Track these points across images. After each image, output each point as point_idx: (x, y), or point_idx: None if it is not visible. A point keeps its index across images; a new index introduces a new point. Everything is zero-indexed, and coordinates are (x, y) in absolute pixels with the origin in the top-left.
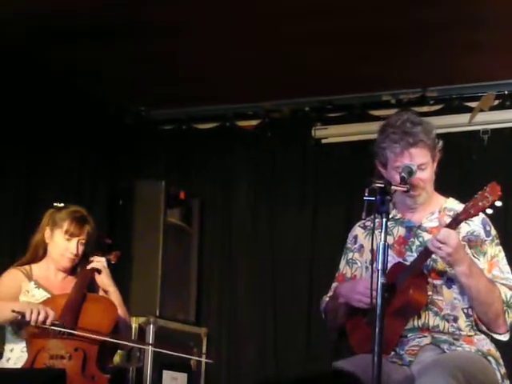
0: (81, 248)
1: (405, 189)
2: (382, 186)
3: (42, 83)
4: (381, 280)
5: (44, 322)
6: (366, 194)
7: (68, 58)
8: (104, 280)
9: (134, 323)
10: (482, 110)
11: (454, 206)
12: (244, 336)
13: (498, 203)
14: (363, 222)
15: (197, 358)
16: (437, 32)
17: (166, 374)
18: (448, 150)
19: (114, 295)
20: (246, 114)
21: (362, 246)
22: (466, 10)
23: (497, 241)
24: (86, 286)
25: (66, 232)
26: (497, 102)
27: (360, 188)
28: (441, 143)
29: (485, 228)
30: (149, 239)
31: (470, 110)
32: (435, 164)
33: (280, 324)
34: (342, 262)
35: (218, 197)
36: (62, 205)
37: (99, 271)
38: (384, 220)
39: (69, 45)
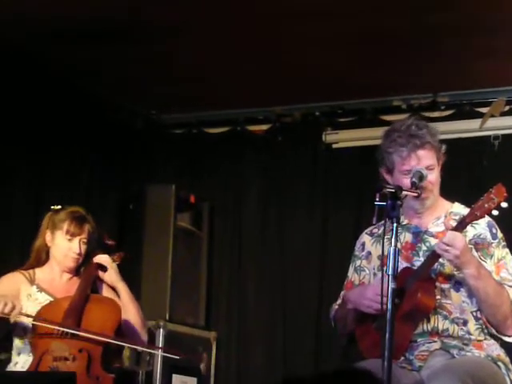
0: (83, 247)
1: (416, 194)
2: (393, 190)
3: (52, 87)
4: (391, 285)
5: (9, 314)
6: (377, 199)
7: (72, 61)
8: (112, 276)
9: None
10: (492, 116)
11: (460, 210)
12: (253, 340)
13: (504, 204)
14: (370, 229)
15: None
16: (448, 38)
17: (176, 378)
18: (459, 156)
19: (123, 291)
20: (256, 119)
21: (369, 253)
22: (477, 15)
23: (503, 243)
24: (90, 286)
25: (67, 232)
26: (507, 108)
27: (370, 193)
28: (444, 147)
29: (491, 231)
30: (159, 243)
31: (480, 115)
32: (440, 167)
33: (289, 328)
34: (351, 270)
35: (228, 201)
36: (59, 207)
37: (104, 268)
38: (394, 225)
39: (72, 46)
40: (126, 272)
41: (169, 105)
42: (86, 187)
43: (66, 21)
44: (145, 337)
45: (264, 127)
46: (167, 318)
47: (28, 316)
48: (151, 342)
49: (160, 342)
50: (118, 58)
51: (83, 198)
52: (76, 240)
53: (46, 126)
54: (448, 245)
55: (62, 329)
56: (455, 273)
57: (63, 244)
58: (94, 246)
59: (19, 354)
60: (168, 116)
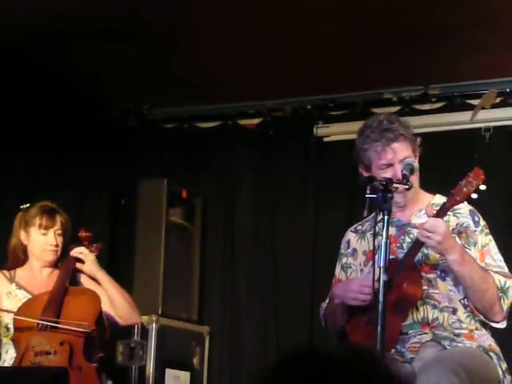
0: (59, 239)
1: (407, 186)
2: (384, 183)
3: (50, 86)
4: (383, 277)
5: None
6: (368, 192)
7: (67, 59)
8: (90, 267)
9: None
10: (483, 108)
11: (442, 201)
12: (246, 334)
13: (483, 187)
14: (355, 226)
15: None
16: (439, 30)
17: (169, 373)
18: (450, 148)
19: (104, 279)
20: (247, 113)
21: (355, 250)
22: (466, 9)
23: (486, 230)
24: (68, 279)
25: (40, 226)
26: (498, 100)
27: (361, 186)
28: (419, 139)
29: (473, 219)
30: (151, 238)
31: (471, 107)
32: (417, 159)
33: (282, 322)
34: (337, 268)
35: (221, 195)
36: (28, 205)
37: (81, 260)
38: (386, 217)
39: (70, 45)
40: (118, 267)
41: (160, 100)
42: (78, 183)
43: (67, 21)
44: (137, 318)
45: (255, 121)
46: (160, 312)
47: (8, 312)
48: (144, 336)
49: (153, 336)
50: (109, 55)
51: (76, 193)
52: (51, 232)
53: (39, 123)
54: (430, 231)
55: (40, 322)
56: (440, 262)
57: (39, 239)
58: (69, 238)
59: (7, 351)
60: (159, 111)
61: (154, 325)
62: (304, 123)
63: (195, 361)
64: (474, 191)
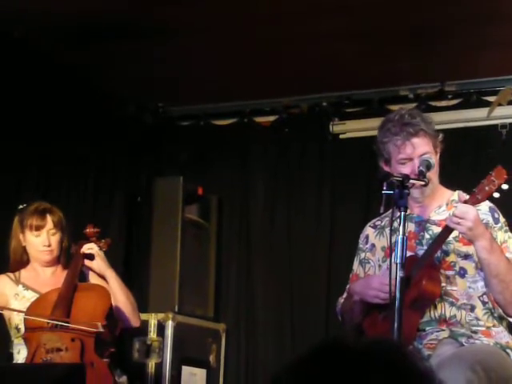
0: (53, 239)
1: (423, 183)
2: (401, 179)
3: (65, 83)
4: (400, 274)
5: None
6: (385, 188)
7: (82, 57)
8: (100, 265)
9: (153, 319)
10: (500, 104)
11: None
12: (262, 331)
13: (505, 186)
14: (373, 221)
15: None
16: (455, 26)
17: (185, 370)
18: (466, 145)
19: (112, 278)
20: (263, 110)
21: (373, 246)
22: (485, 5)
23: (506, 228)
24: (77, 276)
25: (31, 228)
26: None
27: (378, 182)
28: (441, 135)
29: (493, 215)
30: (167, 235)
31: (488, 104)
32: (438, 156)
33: (298, 319)
34: (355, 263)
35: (236, 193)
36: (24, 205)
37: (91, 256)
38: (402, 214)
39: (84, 44)
40: (134, 265)
41: (176, 97)
42: (94, 181)
43: (80, 19)
44: (136, 322)
45: (271, 119)
46: (176, 309)
47: (19, 312)
48: (160, 334)
49: (169, 333)
50: (127, 53)
51: (92, 191)
52: (43, 233)
53: (54, 121)
54: (460, 217)
55: (51, 321)
56: (459, 259)
57: (32, 240)
58: (68, 235)
59: (19, 352)
60: (175, 108)
61: (170, 322)
62: (320, 120)
63: (211, 358)
64: (496, 190)
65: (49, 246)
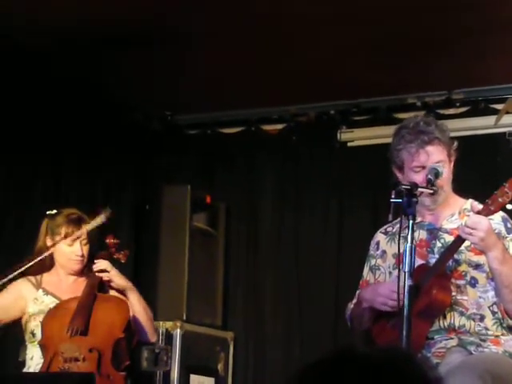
0: (85, 248)
1: (431, 191)
2: (409, 187)
3: (73, 92)
4: (408, 282)
5: None
6: (393, 196)
7: (89, 64)
8: (117, 282)
9: (161, 328)
10: (507, 112)
11: None
12: (270, 340)
13: None
14: (385, 227)
15: None
16: (463, 35)
17: (193, 378)
18: (473, 152)
19: (131, 293)
20: (271, 118)
21: (384, 252)
22: (492, 13)
23: None
24: (96, 286)
25: (66, 236)
26: None
27: (386, 190)
28: (456, 144)
29: (506, 225)
30: (175, 244)
31: (495, 112)
32: (452, 164)
33: (306, 327)
34: (366, 269)
35: (244, 201)
36: (54, 211)
37: (105, 271)
38: (411, 222)
39: (94, 53)
40: (142, 272)
41: (183, 105)
42: (102, 188)
43: (91, 28)
44: (153, 336)
45: (279, 127)
46: (184, 318)
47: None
48: (168, 342)
49: (177, 342)
50: (135, 61)
51: (100, 199)
52: (77, 243)
53: (63, 129)
54: (472, 228)
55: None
56: (470, 269)
57: (64, 249)
58: (95, 244)
59: (32, 357)
60: (183, 116)
61: (178, 330)
62: (327, 128)
63: (220, 366)
64: (510, 202)
65: (81, 256)
